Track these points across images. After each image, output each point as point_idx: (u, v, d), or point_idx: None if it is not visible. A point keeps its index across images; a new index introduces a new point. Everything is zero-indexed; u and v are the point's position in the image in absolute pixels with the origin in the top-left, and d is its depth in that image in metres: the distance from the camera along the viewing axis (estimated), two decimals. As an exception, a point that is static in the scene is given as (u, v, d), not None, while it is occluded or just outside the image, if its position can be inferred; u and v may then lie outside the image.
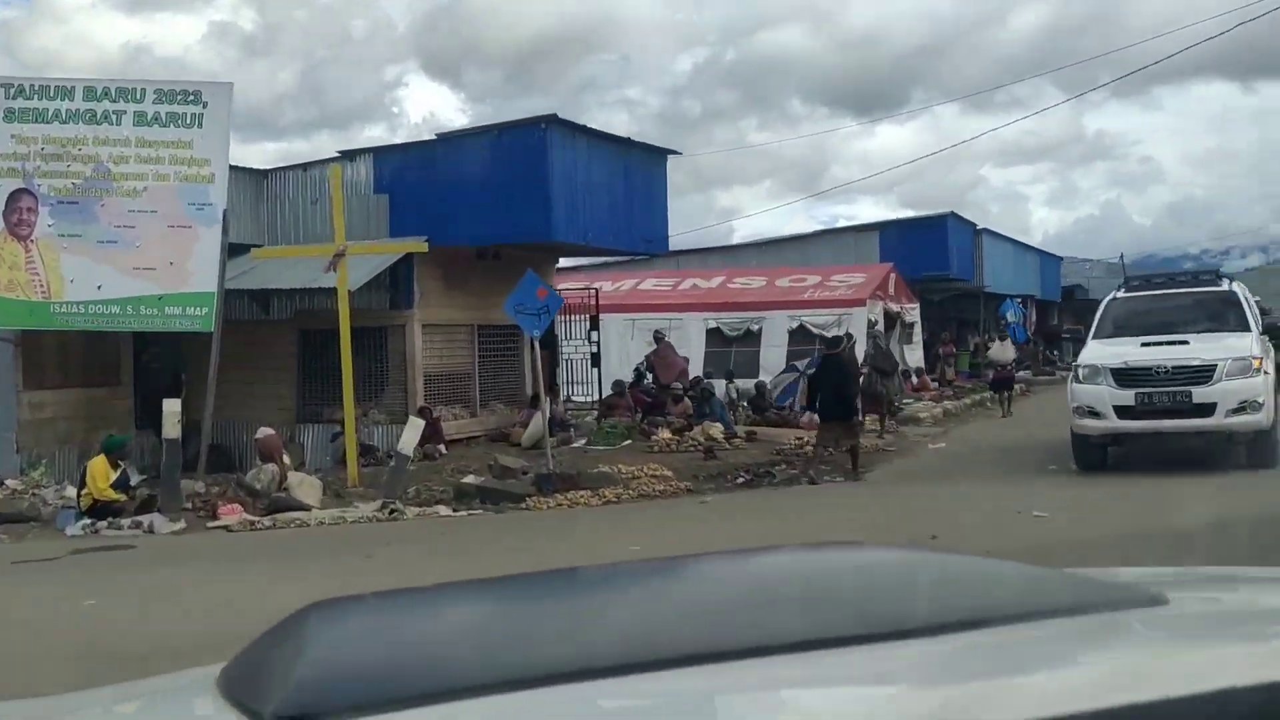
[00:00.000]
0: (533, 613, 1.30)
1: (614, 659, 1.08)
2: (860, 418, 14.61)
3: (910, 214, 36.54)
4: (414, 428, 11.85)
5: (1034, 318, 37.65)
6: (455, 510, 11.68)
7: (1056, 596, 1.35)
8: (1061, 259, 46.84)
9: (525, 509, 11.61)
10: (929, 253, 30.27)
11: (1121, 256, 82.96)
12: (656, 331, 20.28)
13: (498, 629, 1.26)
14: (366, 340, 16.44)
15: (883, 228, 31.54)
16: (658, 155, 18.78)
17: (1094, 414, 11.78)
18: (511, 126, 16.39)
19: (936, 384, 28.23)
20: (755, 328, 24.96)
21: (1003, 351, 25.17)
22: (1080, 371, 12.28)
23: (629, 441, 16.64)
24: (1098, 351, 12.27)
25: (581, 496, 12.07)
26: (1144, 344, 11.87)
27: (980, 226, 33.97)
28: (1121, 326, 12.59)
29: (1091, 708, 0.95)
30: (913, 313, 28.63)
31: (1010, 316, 34.25)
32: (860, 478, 13.42)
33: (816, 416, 14.34)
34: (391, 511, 11.00)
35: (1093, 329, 13.18)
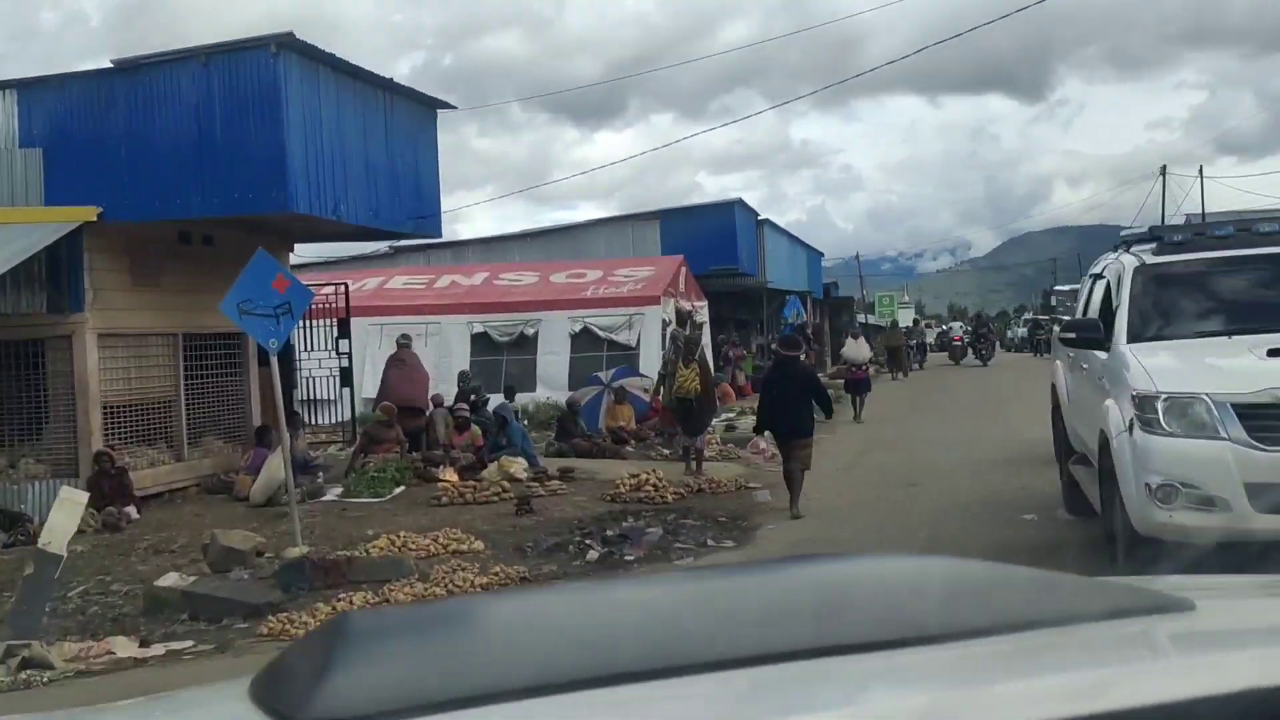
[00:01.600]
0: (559, 621, 1.31)
1: (632, 665, 1.10)
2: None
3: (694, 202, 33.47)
4: (68, 508, 7.00)
5: (815, 317, 35.51)
6: (145, 644, 7.01)
7: (1083, 602, 1.36)
8: (823, 254, 45.38)
9: (265, 635, 7.08)
10: (716, 244, 27.21)
11: (857, 255, 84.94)
12: (401, 336, 15.77)
13: (524, 637, 1.26)
14: (11, 358, 11.35)
15: (664, 216, 28.19)
16: (427, 107, 14.36)
17: (1204, 502, 6.03)
18: (227, 51, 11.52)
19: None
20: (530, 331, 20.98)
21: (857, 350, 22.78)
22: (1158, 409, 6.21)
23: (402, 488, 12.23)
24: (1173, 366, 6.60)
25: (356, 596, 7.69)
26: (1272, 351, 6.33)
27: (761, 217, 31.33)
28: (1173, 316, 7.37)
29: (1116, 708, 0.94)
30: (702, 312, 25.39)
31: (791, 316, 31.88)
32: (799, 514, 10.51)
33: (766, 437, 12.11)
34: (22, 669, 6.18)
35: (1121, 321, 7.29)
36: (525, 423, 16.60)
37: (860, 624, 1.23)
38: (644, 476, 12.03)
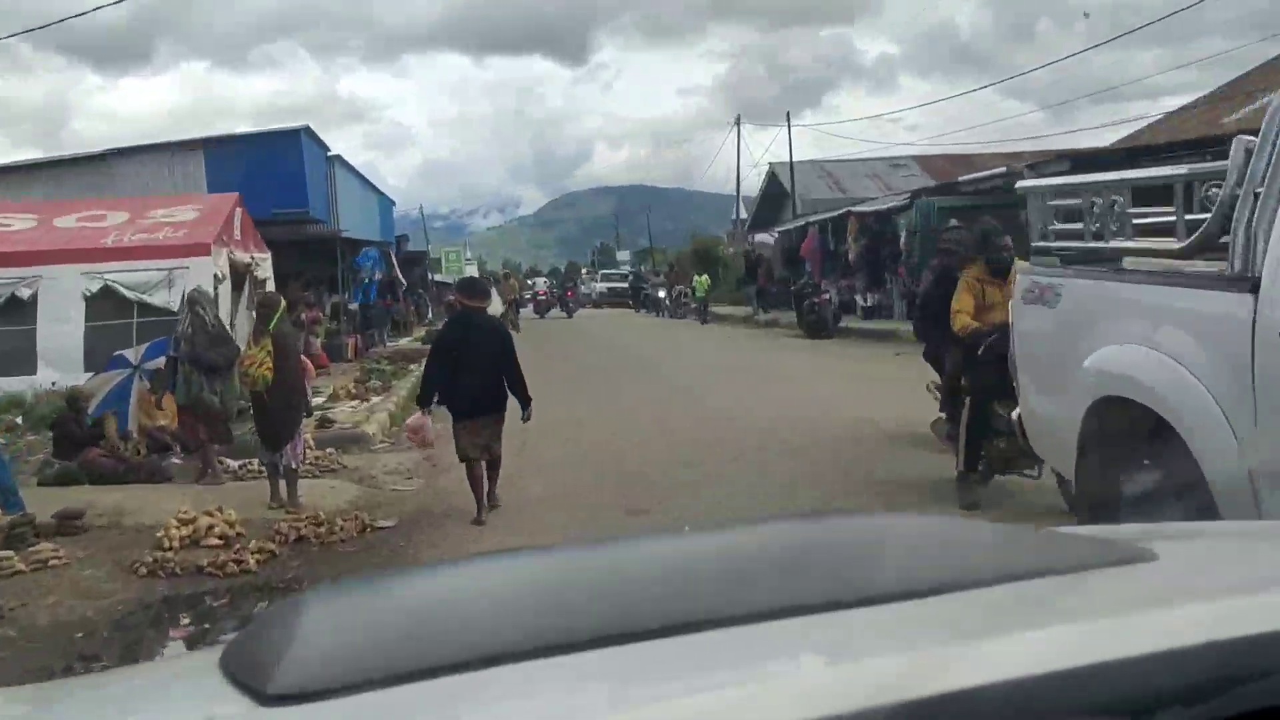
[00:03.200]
0: (527, 588, 1.30)
1: (596, 631, 1.08)
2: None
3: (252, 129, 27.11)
4: None
5: (396, 272, 30.94)
6: None
7: (1041, 555, 1.34)
8: (395, 202, 40.75)
9: None
10: (281, 183, 22.07)
11: (420, 207, 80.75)
12: None
13: (492, 605, 1.25)
14: None
15: (211, 145, 22.42)
16: None
17: None
18: None
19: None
20: (25, 293, 15.12)
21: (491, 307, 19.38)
22: None
23: None
24: None
25: None
26: None
27: (332, 152, 26.31)
28: None
29: (1077, 664, 0.91)
30: (265, 266, 20.25)
31: (367, 270, 27.39)
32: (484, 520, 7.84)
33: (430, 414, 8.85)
34: None
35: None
36: (20, 423, 11.12)
37: (824, 582, 1.21)
38: (205, 521, 7.42)
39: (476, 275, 29.43)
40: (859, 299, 25.48)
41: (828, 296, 22.63)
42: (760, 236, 45.04)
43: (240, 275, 19.06)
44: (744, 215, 75.70)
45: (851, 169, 41.89)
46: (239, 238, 18.79)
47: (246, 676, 1.08)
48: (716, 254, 53.13)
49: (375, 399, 14.44)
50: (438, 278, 68.05)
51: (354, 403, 14.08)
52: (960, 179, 23.20)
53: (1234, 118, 22.93)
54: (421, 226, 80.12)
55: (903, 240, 23.26)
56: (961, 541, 1.42)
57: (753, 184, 48.54)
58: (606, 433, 11.38)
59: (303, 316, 23.28)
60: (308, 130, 22.88)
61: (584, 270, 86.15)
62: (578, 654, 1.04)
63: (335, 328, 25.70)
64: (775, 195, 43.38)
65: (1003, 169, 20.57)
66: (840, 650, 1.06)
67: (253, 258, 19.27)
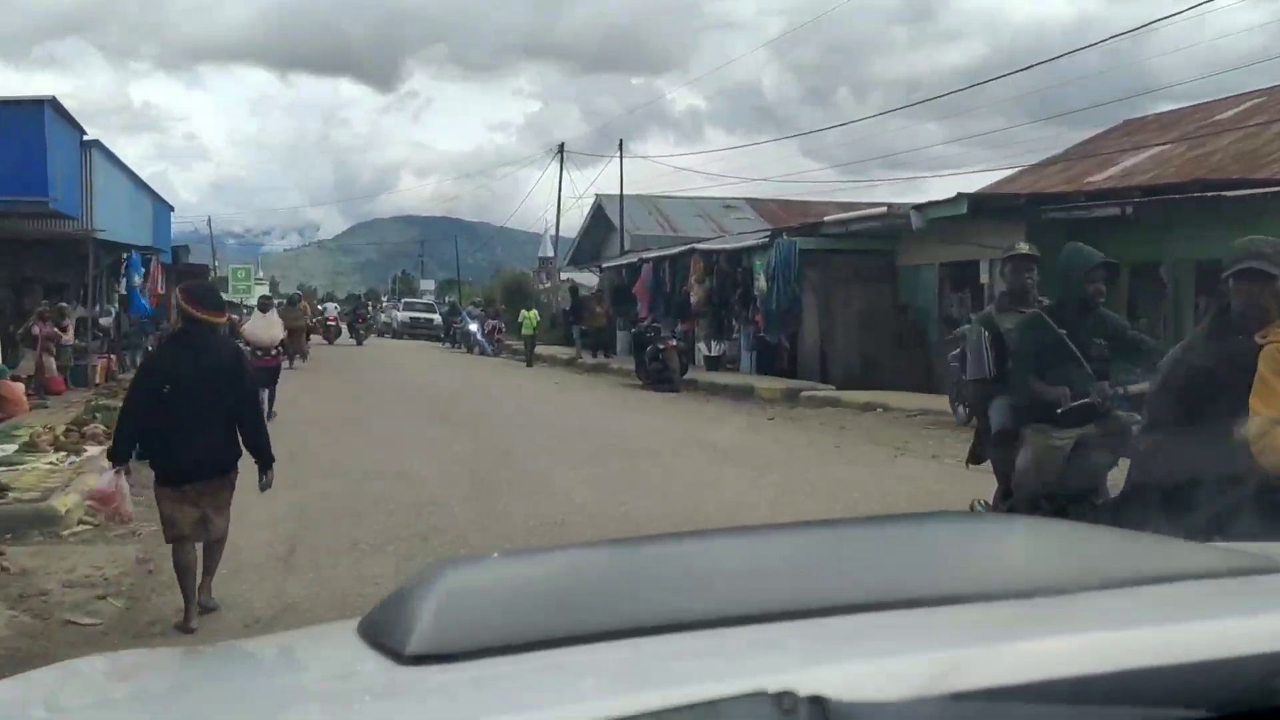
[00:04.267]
0: (638, 570, 1.36)
1: (702, 613, 1.14)
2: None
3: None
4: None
5: (160, 285, 26.30)
6: None
7: (1179, 561, 1.37)
8: (174, 208, 35.73)
9: None
10: (13, 165, 17.68)
11: (209, 220, 74.41)
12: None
13: (610, 583, 1.32)
14: None
15: (-80, 110, 17.74)
16: None
17: None
18: None
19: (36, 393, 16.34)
20: None
21: (267, 328, 16.35)
22: None
23: None
24: None
25: None
26: None
27: (88, 137, 21.81)
28: None
29: (1223, 655, 0.95)
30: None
31: (140, 280, 23.04)
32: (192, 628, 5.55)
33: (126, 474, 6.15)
34: None
35: None
36: None
37: (950, 578, 1.24)
38: None
39: (268, 295, 25.22)
40: (701, 346, 22.85)
41: (675, 343, 19.78)
42: (569, 274, 42.36)
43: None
44: (549, 253, 72.56)
45: (681, 206, 39.67)
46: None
47: (385, 639, 1.19)
48: (528, 289, 50.06)
49: (91, 449, 10.17)
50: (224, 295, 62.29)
51: (55, 457, 9.95)
52: (827, 219, 21.01)
53: (1100, 177, 21.84)
54: (209, 241, 73.96)
55: (759, 283, 20.80)
56: (1089, 545, 1.46)
57: (570, 221, 45.65)
58: (404, 525, 8.04)
59: (34, 331, 18.82)
60: (55, 104, 18.47)
61: (384, 298, 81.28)
62: (680, 634, 1.11)
63: (83, 345, 21.21)
64: (600, 230, 40.67)
65: (882, 208, 18.39)
66: (977, 641, 1.07)
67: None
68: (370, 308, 49.87)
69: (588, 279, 40.12)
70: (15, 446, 10.04)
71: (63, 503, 7.74)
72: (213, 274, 51.24)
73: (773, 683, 0.89)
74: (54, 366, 18.58)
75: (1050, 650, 1.00)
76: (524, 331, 29.47)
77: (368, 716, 1.12)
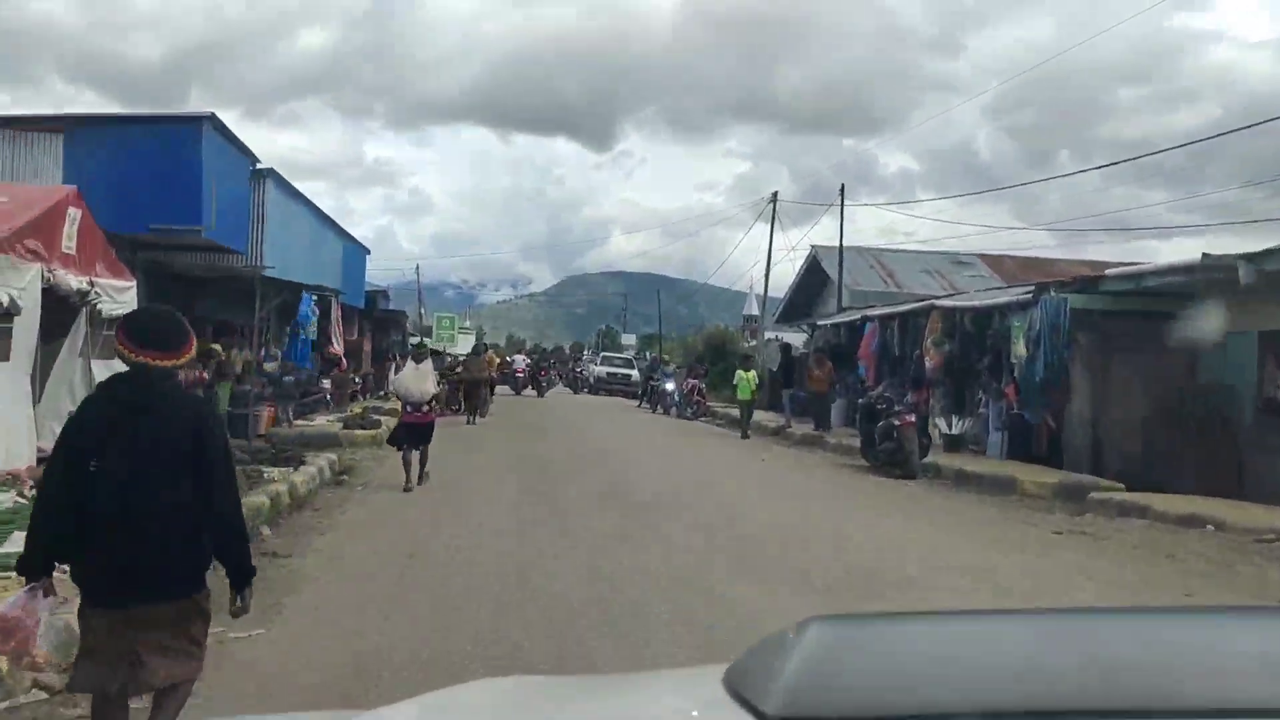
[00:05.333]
0: (1034, 648, 1.26)
1: (1085, 702, 1.10)
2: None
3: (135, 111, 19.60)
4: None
5: (340, 331, 24.38)
6: None
7: None
8: (369, 250, 34.51)
9: None
10: (165, 188, 15.89)
11: (417, 267, 75.11)
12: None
13: (998, 660, 1.22)
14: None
15: (74, 126, 16.14)
16: None
17: None
18: None
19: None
20: None
21: (417, 379, 14.75)
22: None
23: None
24: None
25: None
26: None
27: (262, 165, 20.08)
28: None
29: None
30: (121, 297, 13.93)
31: (310, 324, 21.15)
32: None
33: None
34: None
35: None
36: None
37: None
38: None
39: (422, 343, 23.00)
40: (940, 423, 18.92)
41: (912, 419, 16.01)
42: (776, 331, 38.81)
43: (70, 305, 12.95)
44: (754, 311, 69.25)
45: (906, 261, 35.69)
46: (72, 251, 12.65)
47: (750, 694, 1.19)
48: (732, 347, 46.86)
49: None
50: (427, 342, 61.80)
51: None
52: (1110, 272, 16.89)
53: None
54: (417, 290, 74.22)
55: (1016, 348, 16.85)
56: None
57: (778, 279, 42.29)
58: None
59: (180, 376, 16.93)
60: (215, 121, 16.61)
61: (586, 351, 79.78)
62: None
63: (245, 390, 19.30)
64: (814, 284, 37.07)
65: (1195, 257, 14.20)
66: None
67: (92, 283, 13.05)
68: (552, 361, 50.26)
69: (795, 337, 36.58)
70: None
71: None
72: (418, 322, 50.59)
73: None
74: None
75: None
76: (740, 396, 24.32)
77: None
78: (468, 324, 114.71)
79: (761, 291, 41.17)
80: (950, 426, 18.34)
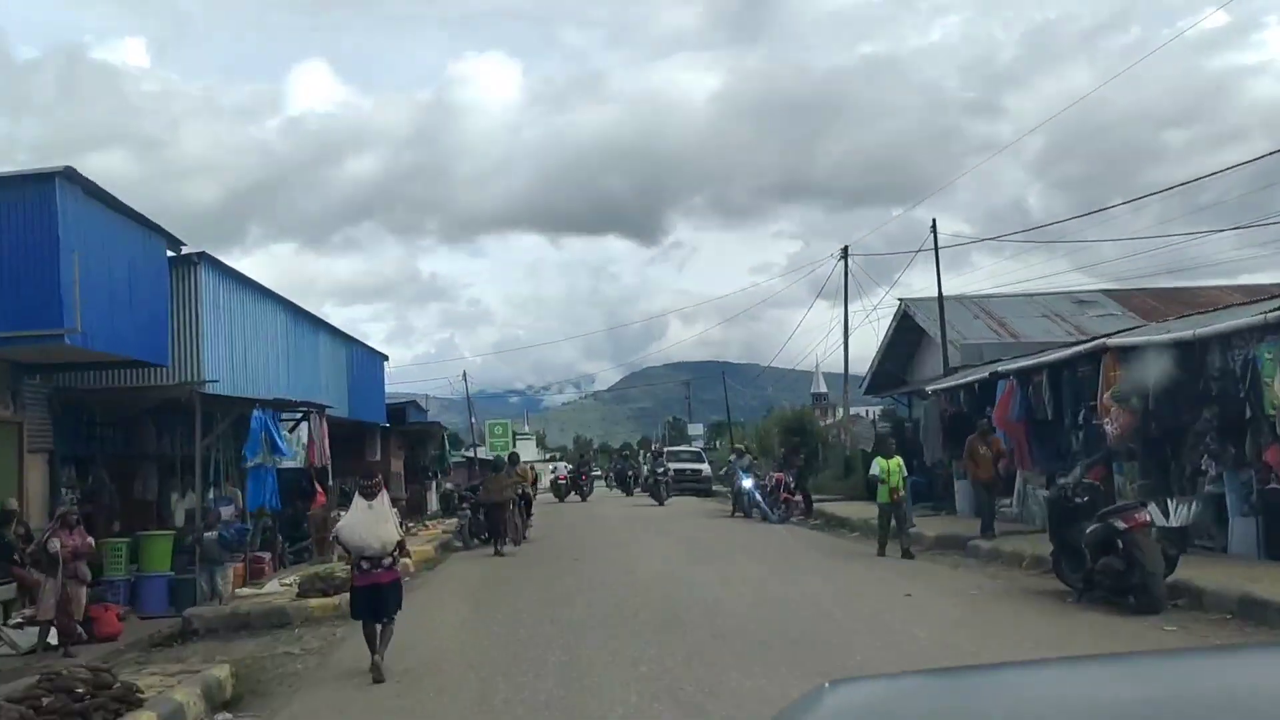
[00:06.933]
0: (1063, 704, 1.18)
1: None
2: None
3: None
4: None
5: (322, 451, 19.12)
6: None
7: None
8: (386, 357, 29.64)
9: None
10: (19, 276, 11.16)
11: (464, 374, 70.74)
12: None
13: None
14: None
15: None
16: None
17: None
18: None
19: None
20: None
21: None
22: None
23: None
24: None
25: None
26: None
27: (190, 249, 15.23)
28: None
29: None
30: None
31: (259, 454, 16.12)
32: None
33: None
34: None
35: None
36: None
37: None
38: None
39: (372, 466, 18.04)
40: (1152, 510, 13.15)
41: (1146, 518, 10.29)
42: (862, 407, 33.23)
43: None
44: (822, 388, 62.84)
45: (1017, 307, 29.89)
46: None
47: None
48: (808, 427, 41.23)
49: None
50: (480, 452, 56.69)
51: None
52: None
53: None
54: (466, 399, 69.66)
55: (1270, 393, 11.23)
56: None
57: (853, 352, 36.92)
58: None
59: (49, 547, 11.78)
60: (73, 175, 11.70)
61: (654, 444, 74.32)
62: None
63: (200, 544, 14.37)
64: (906, 344, 31.35)
65: None
66: None
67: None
68: (589, 465, 49.41)
69: (867, 407, 30.96)
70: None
71: None
72: (446, 431, 45.78)
73: None
74: (82, 596, 11.40)
75: None
76: (880, 499, 16.79)
77: None
78: (526, 429, 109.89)
79: (840, 367, 35.67)
80: (1171, 515, 12.54)
